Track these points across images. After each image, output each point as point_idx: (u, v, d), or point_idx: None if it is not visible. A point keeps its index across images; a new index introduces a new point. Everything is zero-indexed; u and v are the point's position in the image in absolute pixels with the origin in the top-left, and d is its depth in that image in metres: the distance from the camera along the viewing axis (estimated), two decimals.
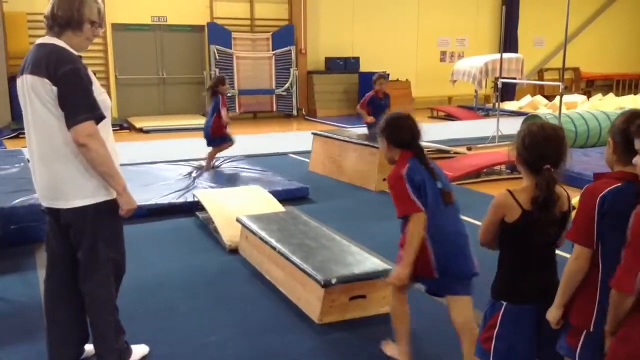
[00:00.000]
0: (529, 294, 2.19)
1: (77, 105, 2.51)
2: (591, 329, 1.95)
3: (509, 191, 2.17)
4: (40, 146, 2.60)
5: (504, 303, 2.21)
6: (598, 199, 1.91)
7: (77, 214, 2.63)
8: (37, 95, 2.54)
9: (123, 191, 2.67)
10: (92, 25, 2.64)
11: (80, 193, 2.61)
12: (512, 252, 2.26)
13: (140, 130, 11.47)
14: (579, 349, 1.99)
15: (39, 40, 2.64)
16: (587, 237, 1.94)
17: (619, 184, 1.91)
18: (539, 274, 2.20)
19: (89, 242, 2.67)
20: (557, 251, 2.22)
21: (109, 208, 2.68)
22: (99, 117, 2.57)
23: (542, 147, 2.12)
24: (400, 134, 2.75)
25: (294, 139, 10.39)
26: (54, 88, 2.50)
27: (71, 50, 2.60)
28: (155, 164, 7.55)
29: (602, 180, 1.97)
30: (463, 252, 2.69)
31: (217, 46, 13.04)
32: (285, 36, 13.73)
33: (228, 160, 7.70)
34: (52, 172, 2.61)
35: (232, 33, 13.28)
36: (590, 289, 1.96)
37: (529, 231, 2.15)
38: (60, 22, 2.58)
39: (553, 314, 2.05)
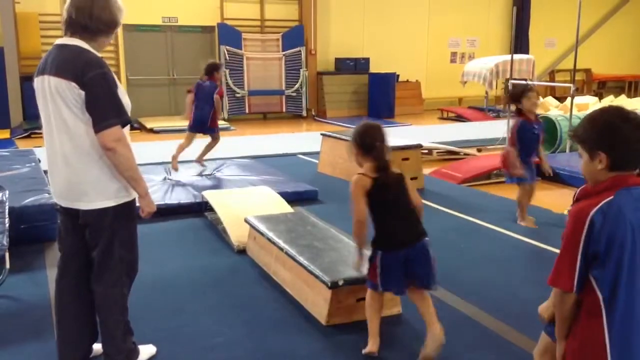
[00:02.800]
0: (395, 244, 2.99)
1: (105, 110, 2.54)
2: None
3: (359, 173, 3.01)
4: (63, 147, 2.62)
5: (380, 252, 3.01)
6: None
7: (98, 214, 2.66)
8: (62, 98, 2.55)
9: (145, 194, 2.72)
10: (114, 28, 2.67)
11: (103, 194, 2.65)
12: (378, 213, 3.03)
13: (151, 131, 11.53)
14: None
15: (59, 41, 2.65)
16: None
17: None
18: (401, 226, 3.00)
19: (105, 242, 2.70)
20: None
21: (128, 210, 2.73)
22: (125, 122, 2.60)
23: (370, 135, 3.04)
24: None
25: (303, 140, 10.39)
26: (82, 92, 2.52)
27: (95, 52, 2.62)
28: (165, 164, 7.57)
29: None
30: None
31: (227, 47, 13.07)
32: (295, 37, 13.75)
33: (237, 161, 7.70)
34: (75, 173, 2.63)
35: (242, 34, 13.32)
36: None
37: (382, 191, 2.97)
38: (84, 25, 2.59)
39: (546, 310, 2.13)
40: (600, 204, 1.81)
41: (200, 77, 7.28)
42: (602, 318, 1.84)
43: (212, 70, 7.21)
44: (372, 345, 3.11)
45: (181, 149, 7.12)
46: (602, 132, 1.86)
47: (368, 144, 3.02)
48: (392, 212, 3.01)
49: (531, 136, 5.19)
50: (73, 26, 2.60)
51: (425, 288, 3.04)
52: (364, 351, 3.12)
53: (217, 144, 7.33)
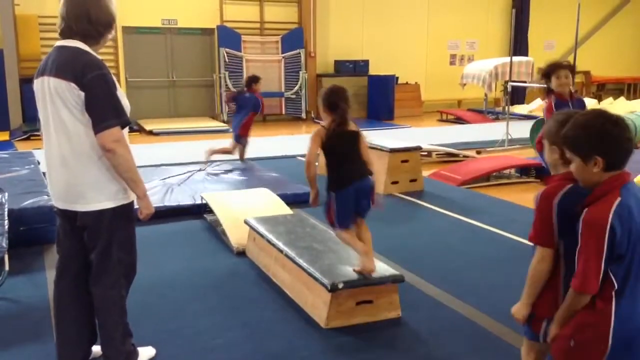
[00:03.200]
0: (346, 183, 3.55)
1: (105, 111, 2.54)
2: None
3: (321, 125, 3.61)
4: (62, 148, 2.62)
5: (333, 193, 3.55)
6: (554, 201, 2.10)
7: (96, 216, 2.65)
8: (61, 99, 2.55)
9: (144, 196, 2.73)
10: (113, 23, 2.68)
11: (101, 196, 2.64)
12: (331, 160, 3.61)
13: (150, 133, 11.52)
14: (542, 332, 2.20)
15: (59, 43, 2.65)
16: (548, 238, 2.13)
17: (570, 185, 2.11)
18: (350, 169, 3.56)
19: (103, 244, 2.69)
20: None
21: (126, 211, 2.73)
22: (125, 123, 2.60)
23: (335, 95, 3.60)
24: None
25: (302, 142, 10.36)
26: (81, 93, 2.53)
27: (94, 54, 2.62)
28: (165, 166, 7.58)
29: (555, 182, 2.17)
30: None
31: (227, 49, 13.08)
32: (294, 39, 13.76)
33: (236, 162, 7.71)
34: (73, 175, 2.63)
35: (242, 36, 13.33)
36: (553, 284, 2.16)
37: (336, 142, 3.57)
38: (86, 32, 2.59)
39: (520, 311, 2.23)
40: (614, 208, 1.92)
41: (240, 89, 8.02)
42: (612, 306, 1.97)
43: (250, 82, 7.80)
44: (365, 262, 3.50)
45: (223, 151, 7.70)
46: (596, 137, 1.96)
47: (333, 102, 3.61)
48: (343, 160, 3.61)
49: None
50: (73, 34, 2.60)
51: (363, 217, 3.72)
52: (356, 269, 3.51)
53: (233, 152, 7.75)
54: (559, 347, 2.08)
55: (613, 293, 1.97)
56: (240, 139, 7.74)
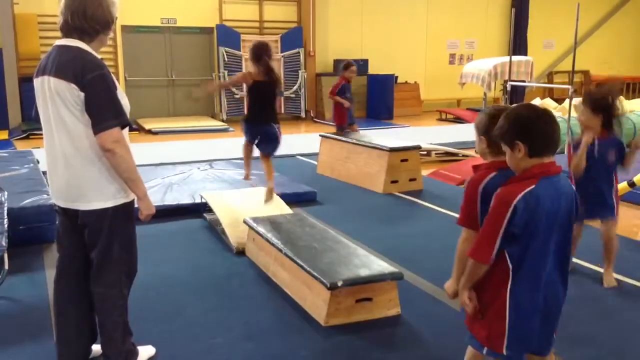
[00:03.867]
0: (250, 119, 5.02)
1: (105, 111, 2.54)
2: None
3: (249, 71, 4.74)
4: (63, 148, 2.62)
5: (244, 123, 5.02)
6: (479, 187, 2.30)
7: (97, 215, 2.66)
8: (61, 99, 2.56)
9: (144, 196, 2.73)
10: (111, 24, 2.68)
11: (102, 195, 2.65)
12: (249, 99, 4.95)
13: (149, 132, 11.52)
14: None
15: (59, 42, 2.65)
16: (473, 221, 2.31)
17: (495, 173, 2.30)
18: (257, 111, 4.93)
19: (104, 243, 2.70)
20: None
21: (126, 210, 2.74)
22: (124, 123, 2.61)
23: (259, 49, 4.82)
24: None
25: (302, 141, 10.39)
26: (81, 93, 2.53)
27: (95, 53, 2.63)
28: (164, 165, 7.58)
29: (481, 171, 2.36)
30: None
31: (226, 48, 13.07)
32: (293, 38, 13.75)
33: (236, 162, 7.70)
34: (74, 174, 2.63)
35: (241, 35, 13.31)
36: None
37: (256, 87, 4.80)
38: (81, 28, 2.59)
39: (451, 287, 2.40)
40: (524, 193, 2.07)
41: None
42: (508, 284, 2.15)
43: (343, 68, 7.96)
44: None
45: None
46: (518, 124, 2.13)
47: (257, 55, 4.73)
48: (256, 101, 4.86)
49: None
50: (70, 30, 2.60)
51: (267, 156, 5.03)
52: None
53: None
54: (469, 320, 2.29)
55: (510, 274, 2.14)
56: (339, 127, 7.97)
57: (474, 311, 2.25)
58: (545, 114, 2.15)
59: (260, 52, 4.69)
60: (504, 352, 2.20)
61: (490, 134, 2.26)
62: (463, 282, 2.25)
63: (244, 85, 4.85)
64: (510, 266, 2.13)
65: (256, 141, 5.03)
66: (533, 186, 2.08)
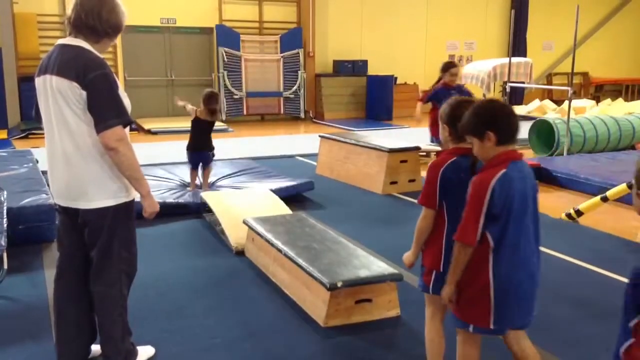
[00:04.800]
0: (193, 148, 6.32)
1: (107, 110, 2.55)
2: (440, 270, 2.52)
3: (197, 109, 6.14)
4: (64, 146, 2.62)
5: (187, 151, 6.29)
6: (440, 170, 2.51)
7: (98, 214, 2.66)
8: (63, 98, 2.56)
9: (147, 194, 2.73)
10: (119, 31, 2.70)
11: (103, 194, 2.65)
12: (192, 130, 6.34)
13: (149, 132, 11.52)
14: (431, 284, 2.58)
15: (61, 41, 2.66)
16: (432, 201, 2.53)
17: (455, 158, 2.52)
18: (196, 142, 6.32)
19: (104, 242, 2.70)
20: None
21: (127, 210, 2.74)
22: (127, 122, 2.61)
23: (209, 98, 6.18)
24: None
25: (301, 142, 10.40)
26: (83, 92, 2.53)
27: (97, 53, 2.63)
28: (164, 165, 7.57)
29: (442, 156, 2.58)
30: None
31: (225, 48, 13.07)
32: (293, 39, 13.75)
33: (235, 162, 7.70)
34: (76, 173, 2.63)
35: (241, 35, 13.32)
36: (438, 239, 2.54)
37: (198, 123, 6.25)
38: (92, 27, 2.60)
39: (408, 258, 2.68)
40: (499, 175, 2.27)
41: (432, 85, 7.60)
42: (489, 263, 2.30)
43: (443, 70, 7.43)
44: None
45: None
46: (487, 116, 2.34)
47: (207, 102, 6.13)
48: (197, 132, 6.29)
49: None
50: (80, 27, 2.61)
51: (206, 168, 6.34)
52: None
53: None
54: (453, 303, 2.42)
55: (490, 252, 2.29)
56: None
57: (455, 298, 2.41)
58: (508, 108, 2.40)
59: (211, 101, 6.11)
60: (491, 326, 2.35)
61: (452, 122, 2.50)
62: (451, 274, 2.36)
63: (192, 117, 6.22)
64: (492, 245, 2.29)
65: (199, 166, 6.32)
66: (505, 169, 2.28)
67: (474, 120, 2.35)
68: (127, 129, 2.67)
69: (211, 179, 6.63)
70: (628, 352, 1.65)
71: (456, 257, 2.33)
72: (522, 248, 2.32)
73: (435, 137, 7.48)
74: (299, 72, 13.79)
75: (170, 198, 5.87)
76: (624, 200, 5.67)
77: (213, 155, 6.36)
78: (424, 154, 8.59)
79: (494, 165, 2.31)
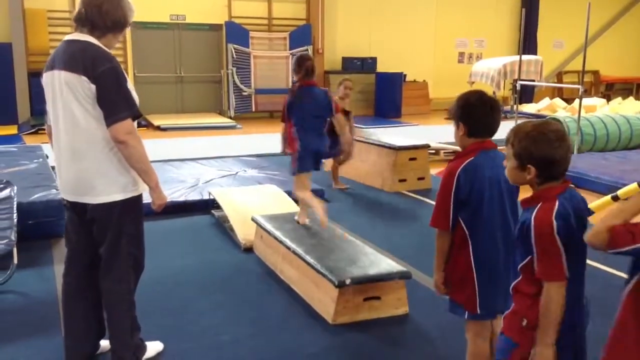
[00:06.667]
0: None
1: (117, 103, 2.56)
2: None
3: None
4: (72, 141, 2.63)
5: None
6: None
7: (106, 209, 2.66)
8: (72, 92, 2.56)
9: (156, 186, 2.74)
10: (123, 27, 2.70)
11: (111, 188, 2.65)
12: None
13: (158, 128, 11.53)
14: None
15: (68, 37, 2.67)
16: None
17: (471, 158, 2.41)
18: None
19: (112, 238, 2.70)
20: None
21: (135, 204, 2.74)
22: (136, 115, 2.62)
23: None
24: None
25: None
26: (92, 86, 2.54)
27: (105, 48, 2.63)
28: (172, 161, 7.59)
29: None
30: None
31: (234, 45, 13.07)
32: (302, 36, 13.73)
33: (244, 159, 7.71)
34: (83, 167, 2.64)
35: (250, 32, 13.31)
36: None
37: None
38: (93, 21, 2.60)
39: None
40: (464, 164, 2.37)
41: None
42: (469, 248, 2.39)
43: None
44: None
45: None
46: (462, 108, 2.44)
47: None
48: None
49: None
50: (83, 22, 2.61)
51: None
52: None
53: None
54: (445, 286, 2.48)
55: (468, 239, 2.37)
56: None
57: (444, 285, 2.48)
58: (487, 103, 2.42)
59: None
60: (478, 311, 2.42)
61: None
62: (436, 262, 2.47)
63: None
64: (466, 231, 2.38)
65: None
66: (472, 158, 2.38)
67: (454, 108, 2.48)
68: (135, 124, 2.67)
69: (217, 176, 6.64)
70: (515, 288, 2.05)
71: (437, 245, 2.44)
72: (499, 233, 2.38)
73: None
74: None
75: (178, 195, 5.88)
76: None
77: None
78: (433, 151, 8.56)
79: (463, 155, 2.42)
